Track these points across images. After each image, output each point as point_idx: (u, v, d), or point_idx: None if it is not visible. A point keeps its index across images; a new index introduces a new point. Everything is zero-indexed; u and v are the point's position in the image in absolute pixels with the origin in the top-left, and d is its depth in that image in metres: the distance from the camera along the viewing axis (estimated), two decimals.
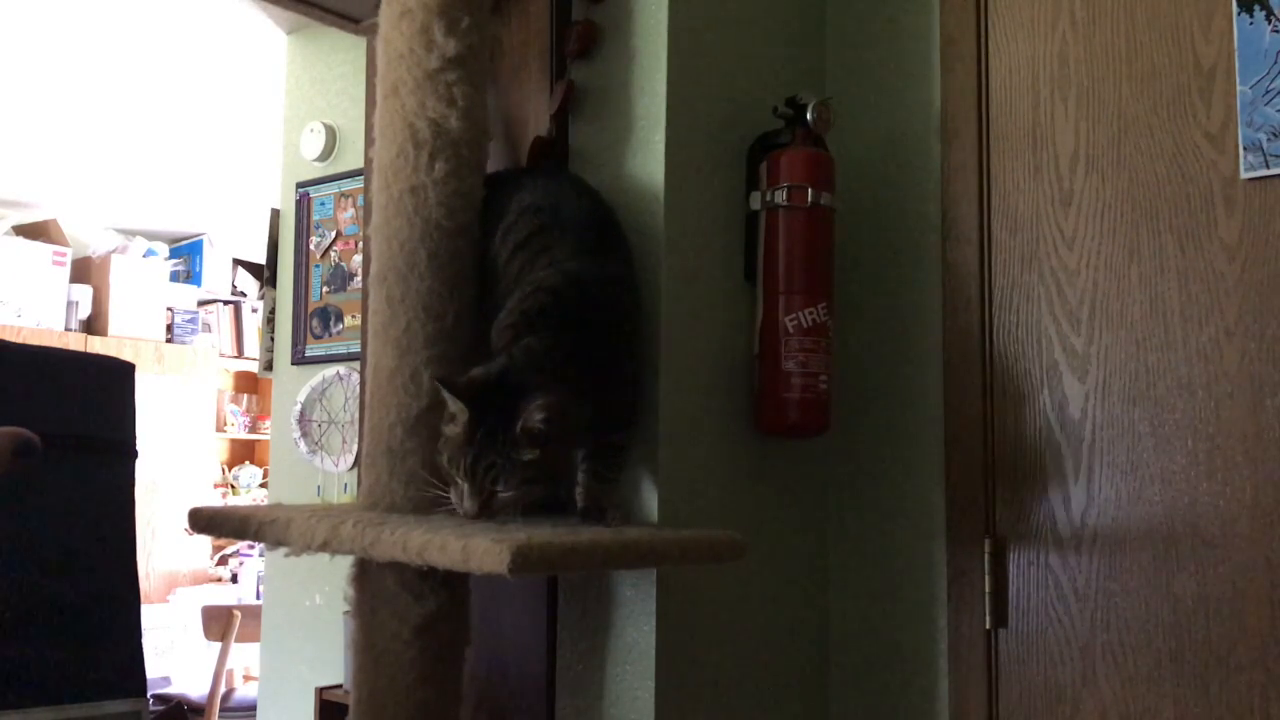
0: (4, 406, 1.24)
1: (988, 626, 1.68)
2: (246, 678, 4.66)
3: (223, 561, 5.79)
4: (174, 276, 5.93)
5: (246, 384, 6.50)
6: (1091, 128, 1.66)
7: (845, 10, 1.93)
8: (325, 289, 2.79)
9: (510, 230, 1.51)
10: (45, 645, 1.21)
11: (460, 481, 1.31)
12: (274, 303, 2.93)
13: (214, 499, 5.90)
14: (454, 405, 1.31)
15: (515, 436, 1.28)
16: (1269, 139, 1.49)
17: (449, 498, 1.34)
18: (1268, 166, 1.49)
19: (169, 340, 5.69)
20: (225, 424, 6.30)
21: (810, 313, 1.63)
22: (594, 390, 1.37)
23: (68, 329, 5.34)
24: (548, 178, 1.61)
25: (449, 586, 1.42)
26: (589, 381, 1.37)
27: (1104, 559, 1.60)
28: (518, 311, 1.41)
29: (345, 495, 2.69)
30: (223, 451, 6.36)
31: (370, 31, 1.83)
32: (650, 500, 1.55)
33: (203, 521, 1.55)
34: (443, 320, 1.49)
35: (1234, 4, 1.53)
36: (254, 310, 6.11)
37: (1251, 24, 1.52)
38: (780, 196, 1.65)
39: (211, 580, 5.67)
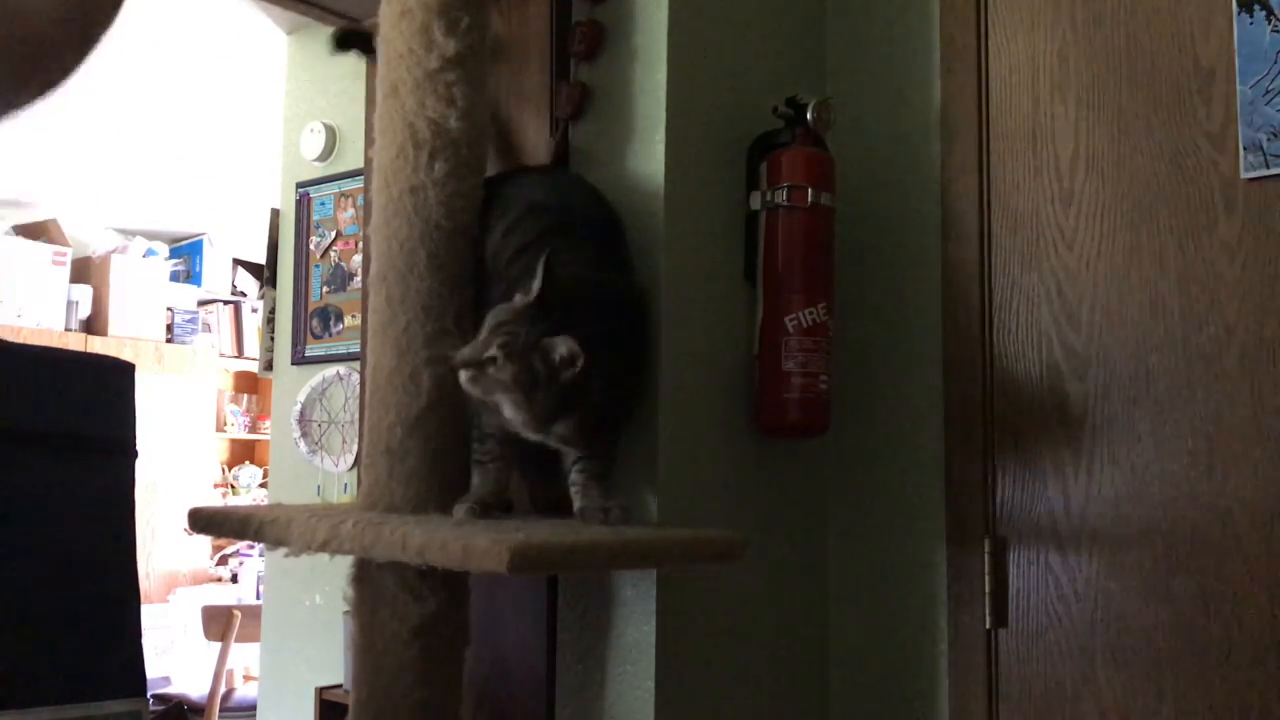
0: (4, 406, 1.24)
1: (988, 626, 1.68)
2: (246, 678, 4.66)
3: (223, 561, 5.79)
4: (174, 276, 5.93)
5: (246, 384, 6.50)
6: (1091, 128, 1.66)
7: (845, 10, 1.93)
8: (325, 289, 2.79)
9: (513, 230, 1.50)
10: (45, 645, 1.21)
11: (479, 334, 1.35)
12: (274, 303, 2.93)
13: (214, 499, 5.90)
14: (537, 284, 1.35)
15: (540, 341, 1.31)
16: (1269, 139, 1.49)
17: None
18: (1268, 166, 1.49)
19: (169, 340, 5.69)
20: (225, 424, 6.30)
21: (810, 313, 1.63)
22: (603, 394, 1.37)
23: (68, 329, 5.34)
24: (550, 177, 1.61)
25: (449, 586, 1.42)
26: (599, 384, 1.36)
27: (1104, 559, 1.60)
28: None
29: (345, 495, 2.69)
30: (223, 451, 6.36)
31: (370, 31, 1.83)
32: (650, 500, 1.55)
33: (203, 521, 1.55)
34: (442, 320, 1.49)
35: (1234, 4, 1.53)
36: (254, 310, 6.11)
37: (1251, 24, 1.52)
38: (780, 196, 1.65)
39: (211, 580, 5.67)
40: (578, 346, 1.30)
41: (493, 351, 1.32)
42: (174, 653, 5.10)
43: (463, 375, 1.34)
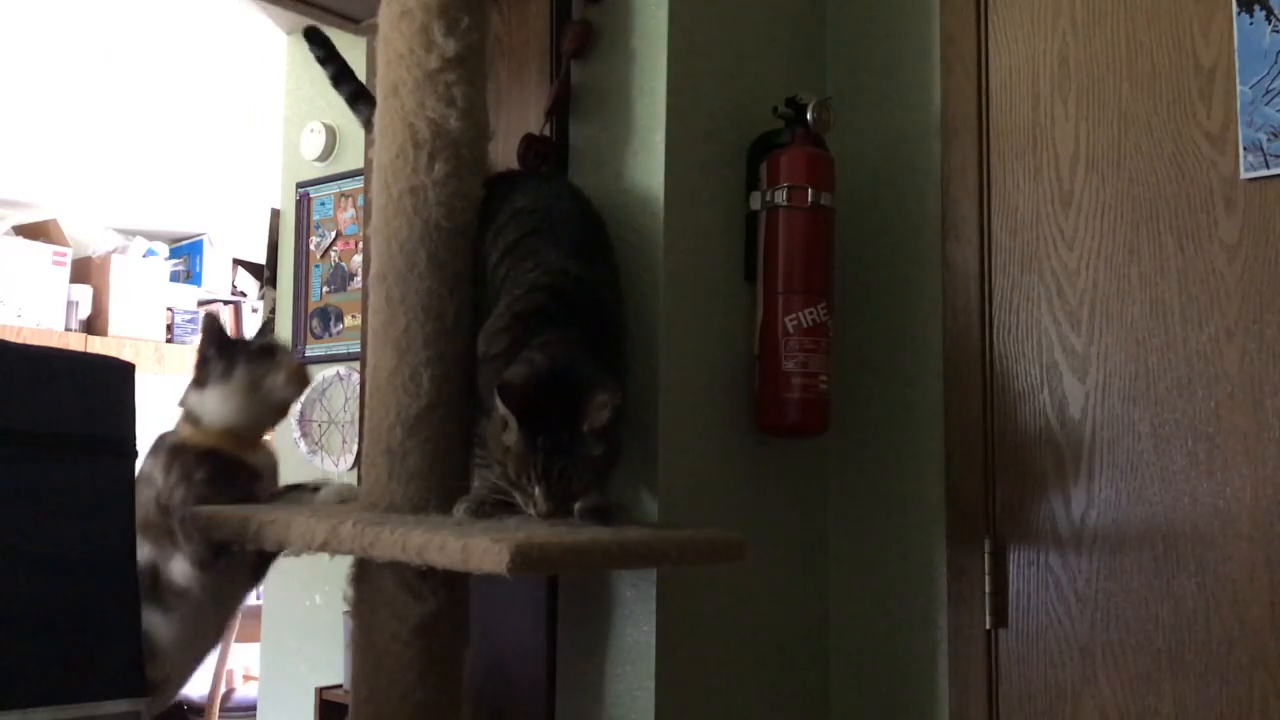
0: (4, 406, 1.24)
1: (988, 626, 1.68)
2: (246, 678, 4.65)
3: None
4: (174, 276, 5.92)
5: None
6: (1091, 128, 1.66)
7: (845, 10, 1.93)
8: (325, 289, 2.79)
9: (501, 232, 1.50)
10: (45, 645, 1.21)
11: (531, 487, 1.30)
12: (274, 303, 2.93)
13: None
14: (503, 410, 1.29)
15: (583, 435, 1.28)
16: (1269, 139, 1.49)
17: (505, 495, 1.34)
18: (1268, 166, 1.49)
19: (169, 340, 5.68)
20: None
21: (810, 313, 1.63)
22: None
23: (68, 329, 5.33)
24: (541, 182, 1.61)
25: (449, 586, 1.42)
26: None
27: (1104, 559, 1.60)
28: (509, 314, 1.40)
29: None
30: None
31: (370, 31, 1.83)
32: (650, 500, 1.55)
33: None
34: (442, 320, 1.49)
35: (1234, 4, 1.53)
36: (254, 310, 6.11)
37: (1251, 24, 1.52)
38: (780, 196, 1.65)
39: None
40: (614, 398, 1.27)
41: (571, 490, 1.31)
42: None
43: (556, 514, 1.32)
